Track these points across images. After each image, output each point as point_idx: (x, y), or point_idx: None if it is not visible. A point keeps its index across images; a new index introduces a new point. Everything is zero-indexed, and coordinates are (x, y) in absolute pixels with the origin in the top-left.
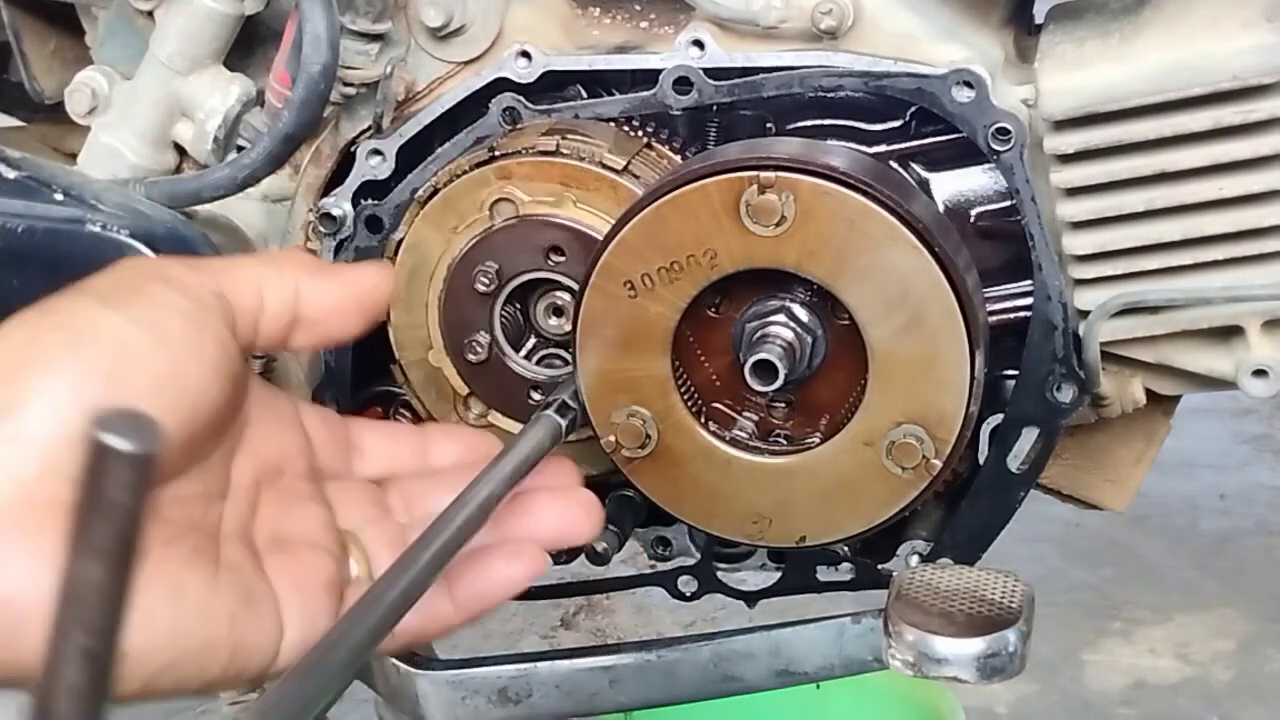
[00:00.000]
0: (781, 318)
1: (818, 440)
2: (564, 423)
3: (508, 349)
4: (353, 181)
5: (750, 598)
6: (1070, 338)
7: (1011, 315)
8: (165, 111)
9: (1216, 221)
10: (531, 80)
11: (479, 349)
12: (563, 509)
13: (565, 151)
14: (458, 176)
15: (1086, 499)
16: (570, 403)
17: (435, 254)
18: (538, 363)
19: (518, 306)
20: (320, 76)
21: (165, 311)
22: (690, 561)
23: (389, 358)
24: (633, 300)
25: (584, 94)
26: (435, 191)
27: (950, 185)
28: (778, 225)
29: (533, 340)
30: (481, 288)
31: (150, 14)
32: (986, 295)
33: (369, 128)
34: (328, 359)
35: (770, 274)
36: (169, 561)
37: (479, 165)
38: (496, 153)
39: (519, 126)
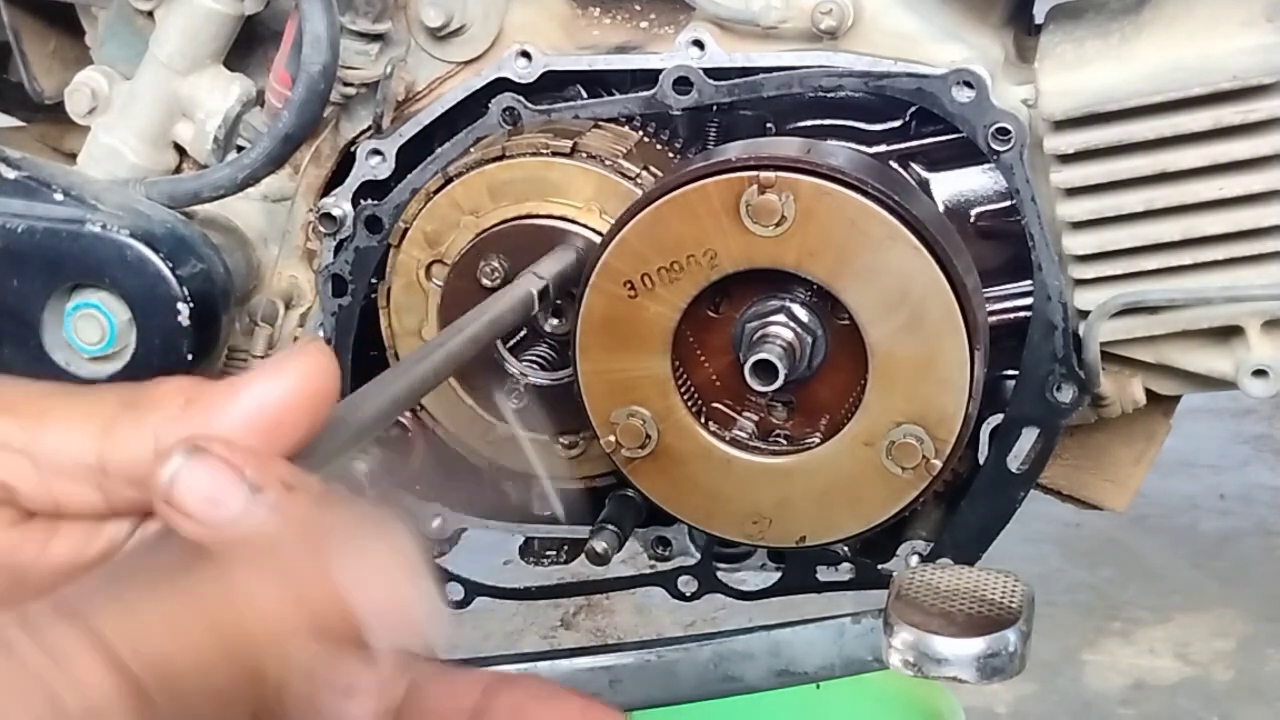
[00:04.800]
0: (781, 318)
1: (818, 440)
2: (535, 293)
3: (499, 343)
4: (353, 181)
5: (750, 598)
6: (1070, 338)
7: (1011, 315)
8: (165, 111)
9: (1216, 221)
10: (531, 80)
11: None
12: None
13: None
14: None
15: (1086, 499)
16: (550, 285)
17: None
18: (524, 359)
19: None
20: (320, 76)
21: None
22: (690, 561)
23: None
24: (633, 300)
25: (584, 94)
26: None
27: (950, 185)
28: (778, 225)
29: (523, 332)
30: (486, 281)
31: (150, 14)
32: (986, 295)
33: (369, 128)
34: None
35: (770, 274)
36: None
37: (492, 160)
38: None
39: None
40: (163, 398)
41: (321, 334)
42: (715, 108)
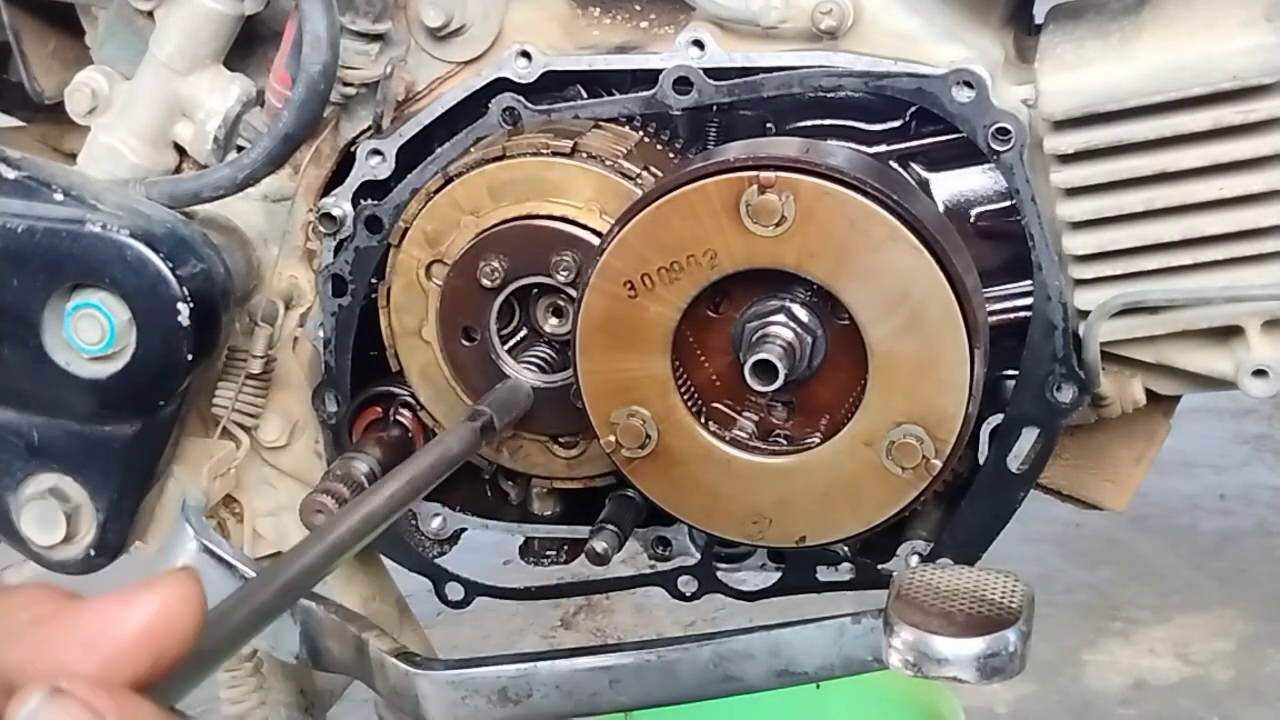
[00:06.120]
0: (781, 318)
1: (818, 440)
2: (480, 439)
3: (498, 345)
4: (353, 181)
5: (750, 598)
6: (1070, 338)
7: (1011, 315)
8: (165, 111)
9: (1216, 221)
10: (531, 80)
11: (473, 337)
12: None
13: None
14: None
15: (1086, 499)
16: (495, 420)
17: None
18: (522, 359)
19: (516, 301)
20: (320, 76)
21: None
22: (690, 561)
23: (389, 362)
24: (633, 300)
25: (584, 94)
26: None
27: (950, 185)
28: (778, 225)
29: (523, 333)
30: (486, 281)
31: (150, 14)
32: (986, 295)
33: (369, 128)
34: (328, 359)
35: (770, 274)
36: None
37: (491, 161)
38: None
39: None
40: (11, 608)
41: (322, 334)
42: (715, 108)
